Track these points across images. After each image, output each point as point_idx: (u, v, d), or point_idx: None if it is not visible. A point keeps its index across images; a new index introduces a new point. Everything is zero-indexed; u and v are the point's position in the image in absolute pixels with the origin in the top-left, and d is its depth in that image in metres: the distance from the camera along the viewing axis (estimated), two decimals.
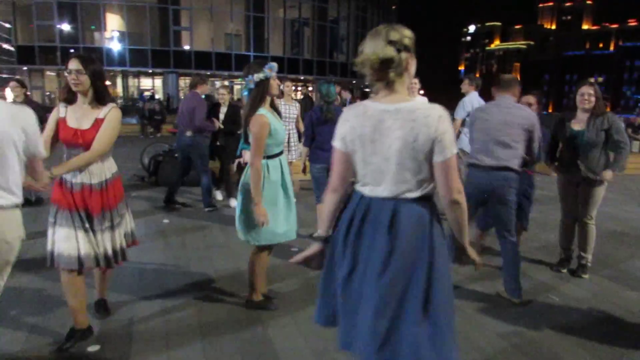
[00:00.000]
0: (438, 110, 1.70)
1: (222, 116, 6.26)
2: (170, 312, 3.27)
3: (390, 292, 1.72)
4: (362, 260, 1.78)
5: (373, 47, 1.70)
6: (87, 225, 2.64)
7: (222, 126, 6.22)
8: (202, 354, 2.74)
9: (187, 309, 3.32)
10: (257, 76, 2.98)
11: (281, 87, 4.76)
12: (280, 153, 3.19)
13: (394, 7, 44.85)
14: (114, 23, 29.46)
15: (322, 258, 1.98)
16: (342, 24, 36.57)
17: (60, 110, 2.69)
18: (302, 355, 2.75)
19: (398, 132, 1.70)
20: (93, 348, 2.73)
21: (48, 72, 30.50)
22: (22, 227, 2.21)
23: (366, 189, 1.81)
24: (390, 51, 1.68)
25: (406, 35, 1.72)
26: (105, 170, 2.73)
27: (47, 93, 30.75)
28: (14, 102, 6.04)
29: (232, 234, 3.39)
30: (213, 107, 6.40)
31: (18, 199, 2.15)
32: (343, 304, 1.85)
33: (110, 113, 2.70)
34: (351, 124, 1.79)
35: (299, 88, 33.70)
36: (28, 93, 7.03)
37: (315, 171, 4.77)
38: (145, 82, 33.08)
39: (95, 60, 2.68)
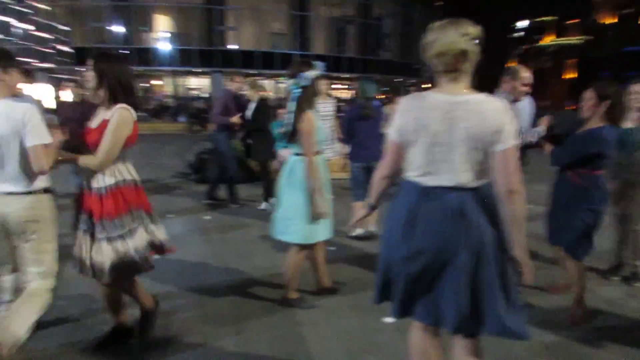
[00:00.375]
0: (502, 104, 1.81)
1: (249, 112, 6.06)
2: (207, 306, 3.33)
3: (466, 273, 1.77)
4: (428, 245, 1.81)
5: (449, 39, 1.76)
6: (91, 230, 2.48)
7: (238, 121, 6.03)
8: (235, 349, 2.78)
9: (223, 304, 3.38)
10: (311, 74, 3.01)
11: None
12: (319, 152, 3.19)
13: (439, 4, 43.88)
14: (163, 24, 30.41)
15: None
16: (386, 22, 36.17)
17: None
18: (334, 356, 2.73)
19: (466, 122, 1.76)
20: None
21: None
22: (35, 211, 2.39)
23: (425, 179, 1.85)
24: (468, 43, 1.76)
25: (474, 29, 1.79)
26: (106, 175, 2.45)
27: None
28: (73, 101, 6.33)
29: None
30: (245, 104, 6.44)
31: (26, 187, 2.35)
32: (404, 282, 1.89)
33: (115, 114, 2.43)
34: (415, 115, 1.84)
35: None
36: (86, 94, 7.32)
37: (355, 170, 4.73)
38: (193, 82, 33.93)
39: (112, 59, 2.50)
